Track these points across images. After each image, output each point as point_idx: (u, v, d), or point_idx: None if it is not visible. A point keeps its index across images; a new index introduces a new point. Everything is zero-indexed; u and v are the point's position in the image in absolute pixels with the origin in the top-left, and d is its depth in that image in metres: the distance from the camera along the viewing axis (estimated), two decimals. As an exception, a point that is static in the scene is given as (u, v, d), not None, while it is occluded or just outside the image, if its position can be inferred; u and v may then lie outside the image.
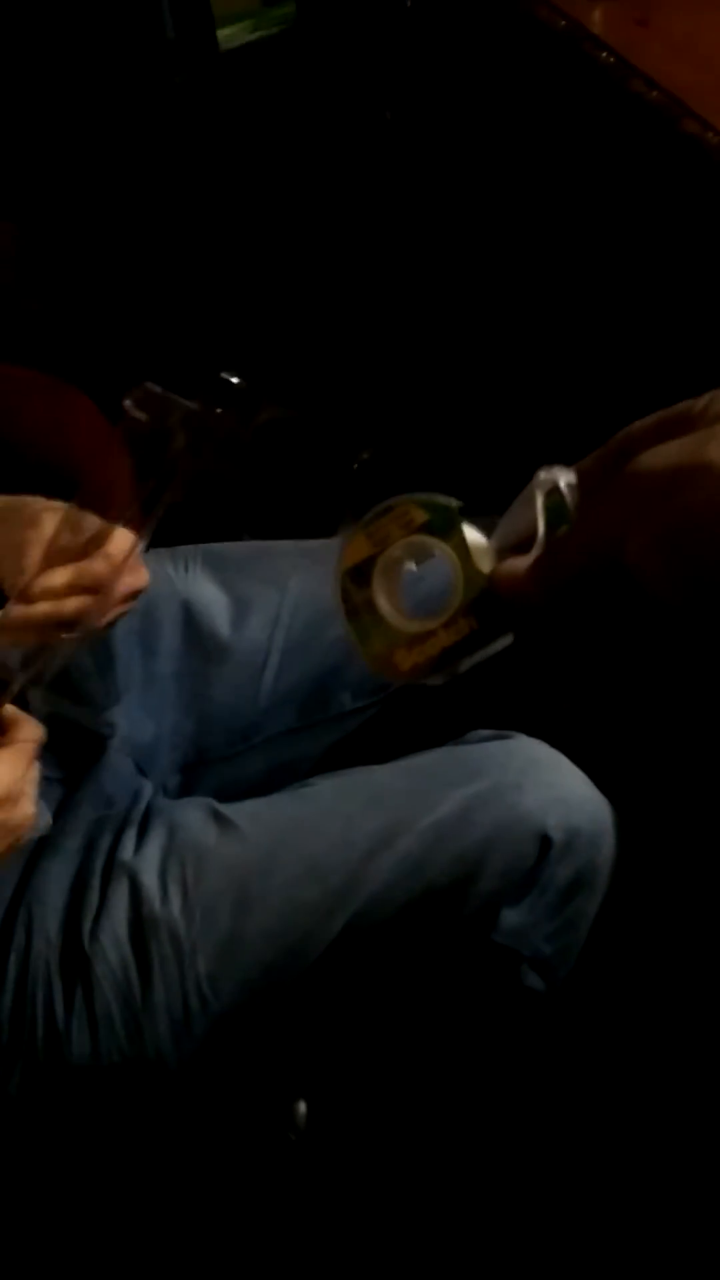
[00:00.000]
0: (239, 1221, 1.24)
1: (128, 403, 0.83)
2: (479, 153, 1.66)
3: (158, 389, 0.83)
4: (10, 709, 0.90)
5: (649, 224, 1.38)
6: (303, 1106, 1.19)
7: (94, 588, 0.89)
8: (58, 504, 0.92)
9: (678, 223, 1.33)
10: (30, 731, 0.90)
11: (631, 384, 1.50)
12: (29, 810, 0.89)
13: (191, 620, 1.17)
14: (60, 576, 0.89)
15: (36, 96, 1.80)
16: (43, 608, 0.88)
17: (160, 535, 0.88)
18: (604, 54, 1.27)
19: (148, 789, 1.13)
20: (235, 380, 0.85)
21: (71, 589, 0.89)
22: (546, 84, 1.41)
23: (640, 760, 1.36)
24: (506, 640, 0.58)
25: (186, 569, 1.19)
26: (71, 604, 0.89)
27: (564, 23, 1.31)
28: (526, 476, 0.55)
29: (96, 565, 0.89)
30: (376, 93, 1.81)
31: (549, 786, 1.04)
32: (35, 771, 0.88)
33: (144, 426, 0.83)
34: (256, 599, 1.18)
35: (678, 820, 1.43)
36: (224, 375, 0.85)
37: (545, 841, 1.02)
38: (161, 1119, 1.05)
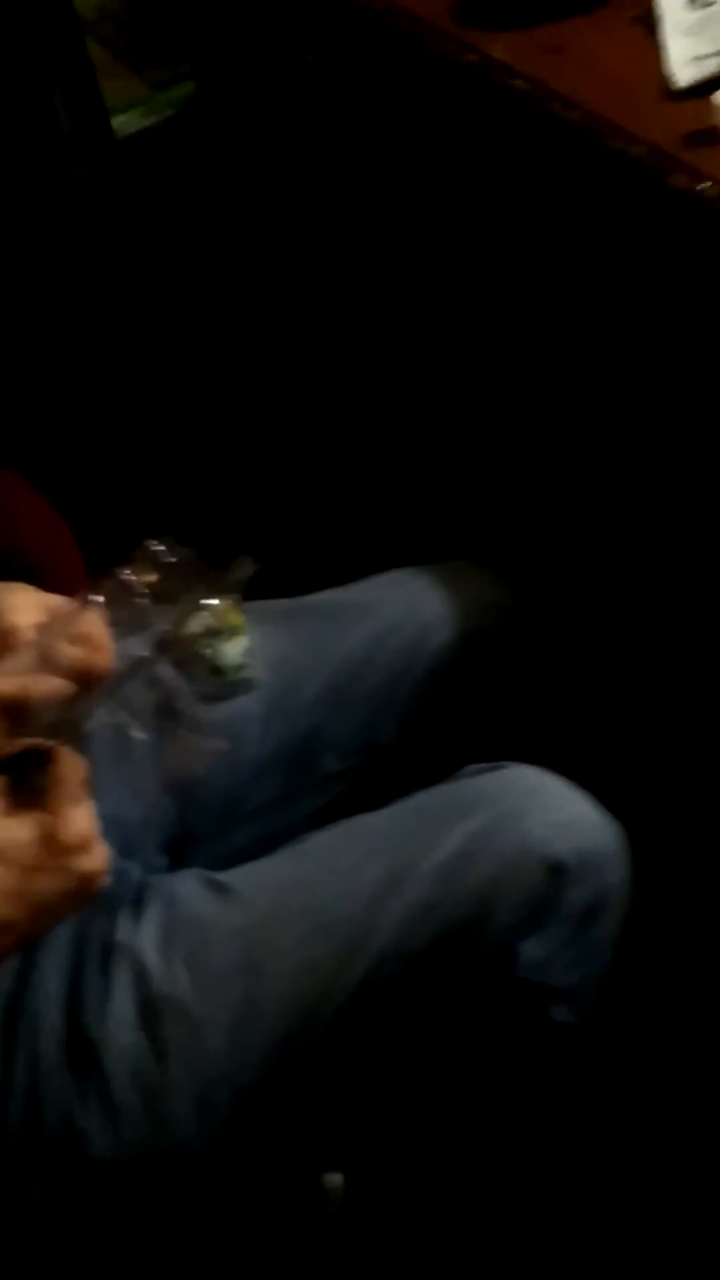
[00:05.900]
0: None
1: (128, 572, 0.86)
2: (406, 203, 1.65)
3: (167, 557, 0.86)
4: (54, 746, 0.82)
5: (586, 246, 1.38)
6: (338, 1178, 1.15)
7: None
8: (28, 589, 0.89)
9: (615, 239, 1.32)
10: (79, 768, 0.82)
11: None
12: (104, 853, 0.81)
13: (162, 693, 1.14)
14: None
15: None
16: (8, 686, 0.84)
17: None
18: (518, 81, 1.26)
19: (135, 870, 1.10)
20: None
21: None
22: (466, 120, 1.41)
23: (641, 778, 1.34)
24: None
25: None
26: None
27: (474, 56, 1.31)
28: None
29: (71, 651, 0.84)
30: (287, 156, 1.81)
31: (552, 811, 1.02)
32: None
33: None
34: None
35: (686, 834, 1.42)
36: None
37: (555, 868, 0.99)
38: (192, 1204, 1.01)
